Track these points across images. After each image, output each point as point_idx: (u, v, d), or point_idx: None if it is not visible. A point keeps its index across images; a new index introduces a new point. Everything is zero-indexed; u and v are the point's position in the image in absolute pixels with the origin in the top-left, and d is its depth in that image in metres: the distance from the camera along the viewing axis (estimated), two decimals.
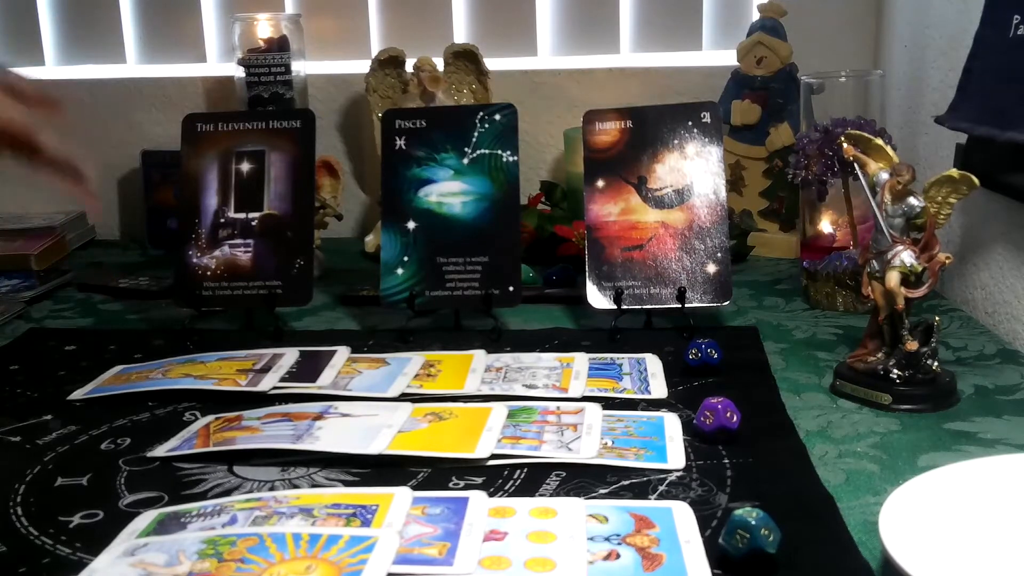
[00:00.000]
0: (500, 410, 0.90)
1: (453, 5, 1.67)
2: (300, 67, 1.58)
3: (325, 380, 1.01)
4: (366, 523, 0.71)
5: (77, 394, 1.02)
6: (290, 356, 1.07)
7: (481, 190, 1.18)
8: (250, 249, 1.20)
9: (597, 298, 1.16)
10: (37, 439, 0.91)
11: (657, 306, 1.15)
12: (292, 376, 1.02)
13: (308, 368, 1.04)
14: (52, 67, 1.75)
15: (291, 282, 1.19)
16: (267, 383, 1.00)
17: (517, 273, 1.17)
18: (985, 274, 1.17)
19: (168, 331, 1.21)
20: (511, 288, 1.16)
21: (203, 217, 1.22)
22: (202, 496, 0.79)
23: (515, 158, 1.19)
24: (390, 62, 1.58)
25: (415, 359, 1.06)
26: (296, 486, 0.80)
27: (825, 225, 1.30)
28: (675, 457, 0.82)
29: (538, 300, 1.27)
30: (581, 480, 0.79)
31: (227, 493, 0.79)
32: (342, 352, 1.08)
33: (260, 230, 1.21)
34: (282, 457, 0.84)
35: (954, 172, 0.92)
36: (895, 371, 0.93)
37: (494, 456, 0.83)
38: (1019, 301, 1.10)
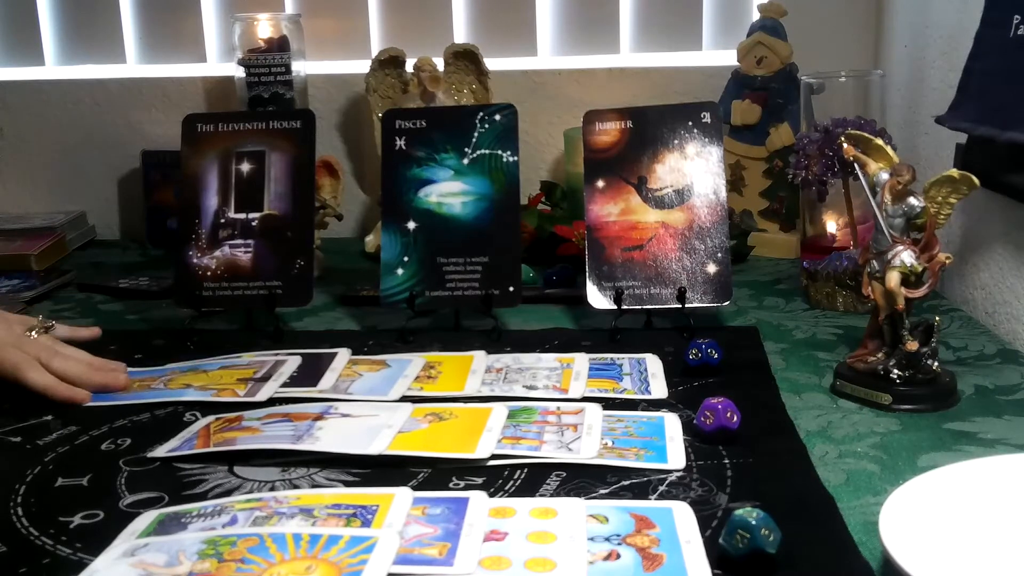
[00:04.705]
0: (500, 410, 0.90)
1: (453, 5, 1.67)
2: (300, 67, 1.58)
3: (326, 384, 1.00)
4: (366, 523, 0.71)
5: None
6: (291, 363, 1.06)
7: (481, 190, 1.18)
8: (250, 249, 1.20)
9: (597, 298, 1.16)
10: (37, 439, 0.91)
11: (657, 306, 1.15)
12: (292, 381, 1.02)
13: (308, 373, 1.03)
14: (52, 67, 1.75)
15: (291, 282, 1.19)
16: (265, 393, 0.99)
17: (517, 273, 1.17)
18: (985, 274, 1.17)
19: (168, 331, 1.21)
20: (511, 288, 1.16)
21: (203, 217, 1.22)
22: (202, 496, 0.79)
23: (515, 158, 1.19)
24: (390, 62, 1.58)
25: (415, 361, 1.05)
26: (296, 486, 0.80)
27: (826, 225, 1.30)
28: (675, 457, 0.82)
29: (538, 300, 1.27)
30: (581, 480, 0.79)
31: (227, 493, 0.79)
32: (342, 355, 1.08)
33: (260, 230, 1.21)
34: (282, 457, 0.84)
35: (954, 172, 0.92)
36: (895, 371, 0.93)
37: (494, 456, 0.83)
38: (1019, 301, 1.10)
